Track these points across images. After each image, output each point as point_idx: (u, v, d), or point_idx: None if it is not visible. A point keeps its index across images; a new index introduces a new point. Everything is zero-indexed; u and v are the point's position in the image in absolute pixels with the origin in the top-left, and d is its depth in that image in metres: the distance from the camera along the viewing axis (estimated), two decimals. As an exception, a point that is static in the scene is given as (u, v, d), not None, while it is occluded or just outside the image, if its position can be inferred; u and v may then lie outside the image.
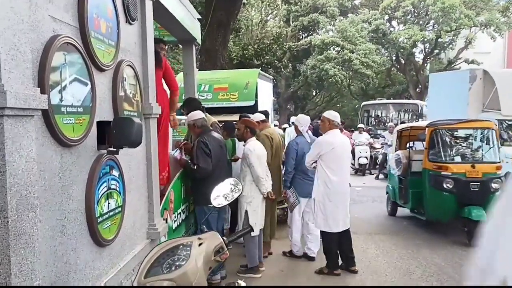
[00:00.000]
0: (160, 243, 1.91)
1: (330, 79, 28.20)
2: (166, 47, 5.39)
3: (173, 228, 4.34)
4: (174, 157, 4.85)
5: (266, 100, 10.15)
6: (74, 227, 2.33)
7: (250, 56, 16.60)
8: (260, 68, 11.79)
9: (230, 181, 2.47)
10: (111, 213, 2.75)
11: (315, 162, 5.23)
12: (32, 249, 1.81)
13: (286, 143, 11.61)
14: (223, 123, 6.22)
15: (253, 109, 8.19)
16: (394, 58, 33.96)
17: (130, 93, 3.15)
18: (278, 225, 7.08)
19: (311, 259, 5.86)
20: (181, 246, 1.88)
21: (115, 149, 2.63)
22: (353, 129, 17.51)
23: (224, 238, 1.94)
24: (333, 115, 5.34)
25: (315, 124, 9.85)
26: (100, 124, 2.62)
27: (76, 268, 2.35)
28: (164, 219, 3.95)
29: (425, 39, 30.46)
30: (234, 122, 6.61)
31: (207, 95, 9.10)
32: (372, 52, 29.51)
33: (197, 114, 4.80)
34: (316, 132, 6.60)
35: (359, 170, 14.71)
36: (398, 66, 34.73)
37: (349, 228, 5.40)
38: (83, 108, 2.39)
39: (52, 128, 2.08)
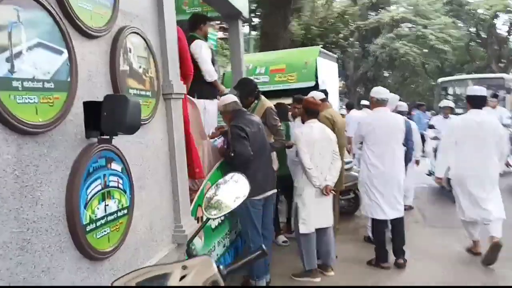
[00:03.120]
0: (127, 274, 1.29)
1: (401, 58, 26.60)
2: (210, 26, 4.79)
3: (212, 227, 3.75)
4: (215, 146, 4.25)
5: (329, 80, 9.27)
6: (45, 241, 1.77)
7: (313, 37, 15.67)
8: (324, 48, 10.91)
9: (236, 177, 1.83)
10: (110, 218, 2.18)
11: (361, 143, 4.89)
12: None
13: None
14: (275, 105, 5.51)
15: (314, 90, 7.43)
16: (473, 31, 31.29)
17: (140, 67, 2.56)
18: (342, 216, 6.34)
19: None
20: (155, 279, 1.24)
21: (107, 137, 2.05)
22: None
23: (221, 266, 1.26)
24: (375, 91, 4.90)
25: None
26: (90, 105, 2.04)
27: (52, 293, 1.80)
28: (197, 218, 3.36)
29: (509, 9, 27.72)
30: (289, 105, 5.93)
31: (263, 77, 8.44)
32: (448, 26, 27.46)
33: (228, 98, 4.17)
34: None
35: None
36: (479, 41, 31.97)
37: (402, 217, 4.84)
38: (54, 83, 1.82)
39: (-6, 109, 1.52)
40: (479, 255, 4.90)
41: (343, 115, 8.63)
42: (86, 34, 2.07)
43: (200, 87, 4.64)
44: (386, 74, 34.99)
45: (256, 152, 3.98)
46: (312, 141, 4.33)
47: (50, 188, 1.80)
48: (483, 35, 30.66)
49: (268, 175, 4.14)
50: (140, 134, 2.57)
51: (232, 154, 3.91)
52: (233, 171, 4.00)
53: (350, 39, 18.12)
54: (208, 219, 1.68)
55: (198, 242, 3.40)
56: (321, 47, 10.45)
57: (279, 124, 4.61)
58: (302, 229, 4.38)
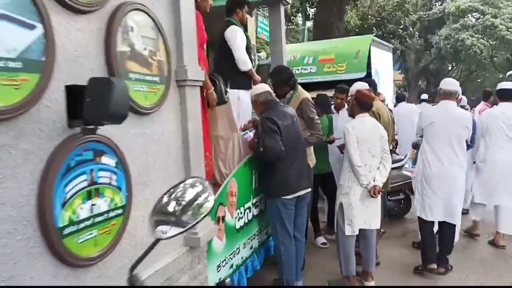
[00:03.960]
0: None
1: (467, 50, 25.00)
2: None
3: (236, 227, 3.43)
4: (244, 139, 3.93)
5: (383, 71, 8.69)
6: (6, 245, 1.52)
7: (370, 27, 14.89)
8: (382, 39, 10.25)
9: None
10: (98, 219, 1.92)
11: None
12: None
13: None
14: (316, 97, 5.11)
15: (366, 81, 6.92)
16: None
17: (145, 49, 2.28)
18: (390, 219, 5.83)
19: None
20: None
21: (92, 127, 1.78)
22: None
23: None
24: (443, 82, 4.49)
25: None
26: (73, 90, 1.78)
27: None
28: (217, 219, 3.06)
29: None
30: (331, 97, 5.49)
31: (310, 68, 8.06)
32: (521, 15, 25.57)
33: (260, 88, 3.81)
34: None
35: None
36: (556, 31, 29.50)
37: (454, 225, 4.35)
38: (22, 62, 1.56)
39: None
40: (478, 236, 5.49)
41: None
42: (72, 8, 1.80)
43: (234, 76, 4.33)
44: (449, 67, 33.18)
45: (289, 147, 3.62)
46: (362, 137, 3.88)
47: (15, 184, 1.56)
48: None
49: (302, 172, 3.76)
50: (145, 125, 2.31)
51: (262, 149, 3.58)
52: (264, 166, 3.74)
53: (410, 29, 17.07)
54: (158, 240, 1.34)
55: (218, 244, 3.12)
56: (378, 37, 9.85)
57: (316, 117, 4.20)
58: (348, 231, 3.98)
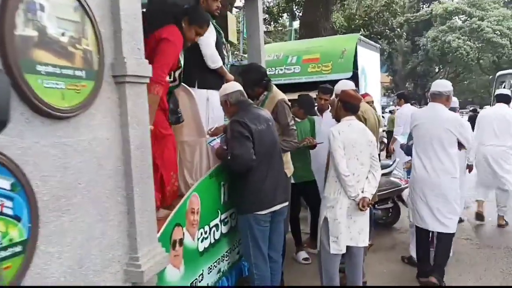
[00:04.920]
0: None
1: (454, 52, 24.97)
2: None
3: (200, 250, 2.92)
4: (211, 147, 3.43)
5: (370, 72, 8.24)
6: None
7: (357, 27, 14.50)
8: (369, 40, 9.82)
9: None
10: (-20, 262, 1.40)
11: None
12: None
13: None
14: (298, 97, 4.64)
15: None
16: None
17: (63, 35, 1.76)
18: (377, 230, 5.39)
19: None
20: None
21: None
22: None
23: None
24: (435, 83, 4.31)
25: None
26: None
27: None
28: (173, 243, 2.55)
29: None
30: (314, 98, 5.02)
31: (294, 68, 7.60)
32: (507, 18, 25.67)
33: (231, 87, 3.34)
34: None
35: None
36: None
37: (450, 234, 4.07)
38: None
39: None
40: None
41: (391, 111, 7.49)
42: None
43: (203, 75, 3.84)
44: (436, 69, 33.17)
45: (263, 155, 3.15)
46: (349, 143, 3.41)
47: None
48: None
49: (278, 183, 3.29)
50: (63, 132, 1.79)
51: (229, 157, 3.08)
52: (234, 177, 3.24)
53: (398, 30, 16.75)
54: None
55: (173, 273, 2.60)
56: (366, 38, 9.42)
57: (292, 122, 3.73)
58: (333, 249, 3.49)
